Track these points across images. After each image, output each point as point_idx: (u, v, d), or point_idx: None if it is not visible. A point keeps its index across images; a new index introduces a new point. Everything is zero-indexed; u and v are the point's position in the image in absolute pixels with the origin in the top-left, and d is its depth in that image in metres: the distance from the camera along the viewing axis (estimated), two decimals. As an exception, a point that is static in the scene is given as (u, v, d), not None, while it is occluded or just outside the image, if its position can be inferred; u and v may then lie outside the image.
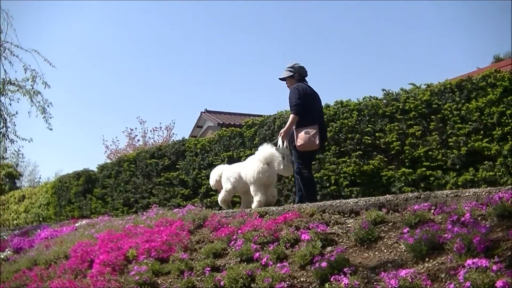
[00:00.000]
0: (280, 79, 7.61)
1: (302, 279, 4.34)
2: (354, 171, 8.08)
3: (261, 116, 10.39)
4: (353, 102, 8.61)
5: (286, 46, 67.80)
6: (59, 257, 7.56)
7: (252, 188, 7.37)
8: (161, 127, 25.25)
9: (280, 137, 7.36)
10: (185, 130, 54.77)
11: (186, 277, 5.09)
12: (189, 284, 4.95)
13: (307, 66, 7.39)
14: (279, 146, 7.33)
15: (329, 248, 4.70)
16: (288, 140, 7.33)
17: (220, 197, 8.07)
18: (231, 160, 8.58)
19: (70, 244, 7.84)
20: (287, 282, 4.27)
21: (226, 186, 7.90)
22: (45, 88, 12.13)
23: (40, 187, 19.82)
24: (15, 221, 19.68)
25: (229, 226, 6.02)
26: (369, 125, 8.14)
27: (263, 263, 4.72)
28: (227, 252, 5.48)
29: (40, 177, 40.31)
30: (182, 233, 6.25)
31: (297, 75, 7.45)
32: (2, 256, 9.80)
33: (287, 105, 7.34)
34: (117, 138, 30.52)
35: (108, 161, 17.80)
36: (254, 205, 7.19)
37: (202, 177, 10.82)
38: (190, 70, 66.97)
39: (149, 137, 24.94)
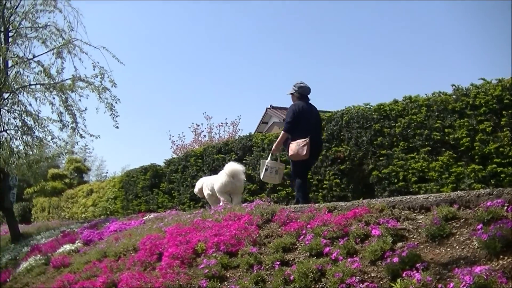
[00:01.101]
0: (288, 94, 8.58)
1: (373, 275, 4.33)
2: (423, 167, 7.97)
3: (328, 112, 10.29)
4: (422, 97, 8.46)
5: (353, 41, 67.45)
6: (128, 250, 7.76)
7: (217, 195, 9.12)
8: (226, 123, 25.45)
9: (271, 151, 8.68)
10: (250, 126, 55.07)
11: (255, 271, 5.15)
12: (258, 278, 5.00)
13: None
14: (267, 159, 8.64)
15: (399, 244, 4.67)
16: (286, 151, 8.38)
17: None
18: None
19: (139, 237, 8.03)
20: (358, 277, 4.27)
21: (206, 193, 9.63)
22: (112, 87, 12.45)
23: (107, 181, 20.34)
24: (83, 214, 20.27)
25: (298, 221, 6.05)
26: (438, 121, 7.99)
27: (333, 258, 4.73)
28: (296, 246, 5.52)
29: (107, 172, 41.19)
30: (251, 228, 6.31)
31: (297, 94, 8.42)
32: (72, 248, 10.14)
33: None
34: (183, 134, 30.98)
35: (175, 156, 18.02)
36: (219, 205, 8.62)
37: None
38: (257, 66, 67.47)
39: (215, 133, 25.08)
